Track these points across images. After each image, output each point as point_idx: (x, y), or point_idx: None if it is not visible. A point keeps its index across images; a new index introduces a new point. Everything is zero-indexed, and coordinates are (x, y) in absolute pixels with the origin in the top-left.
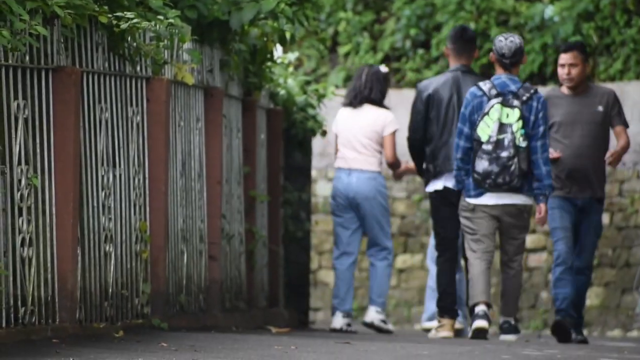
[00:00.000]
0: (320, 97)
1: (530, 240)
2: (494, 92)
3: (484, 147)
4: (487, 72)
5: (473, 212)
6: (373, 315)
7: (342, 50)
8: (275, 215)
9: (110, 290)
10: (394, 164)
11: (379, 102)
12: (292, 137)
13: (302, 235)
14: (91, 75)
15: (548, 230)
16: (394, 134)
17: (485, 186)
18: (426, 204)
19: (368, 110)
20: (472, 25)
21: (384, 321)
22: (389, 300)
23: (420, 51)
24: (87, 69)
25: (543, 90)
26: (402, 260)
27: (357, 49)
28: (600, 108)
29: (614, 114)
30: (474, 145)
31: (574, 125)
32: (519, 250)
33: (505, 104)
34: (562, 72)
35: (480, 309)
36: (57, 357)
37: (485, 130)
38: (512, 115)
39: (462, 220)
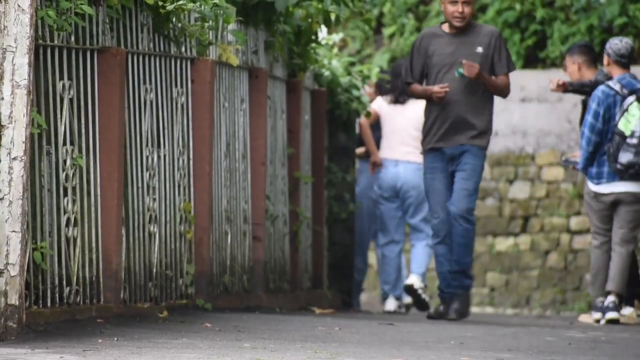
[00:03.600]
0: (365, 78)
1: (574, 222)
2: (625, 91)
3: (629, 140)
4: (532, 53)
5: (595, 199)
6: (414, 279)
7: (387, 31)
8: (319, 196)
9: (155, 270)
10: None
11: None
12: (336, 118)
13: (346, 217)
14: (136, 55)
15: None
16: None
17: (626, 176)
18: None
19: (413, 104)
20: (517, 7)
21: (423, 289)
22: (433, 282)
23: None
24: (132, 49)
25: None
26: None
27: (402, 30)
28: (480, 49)
29: (496, 58)
30: (615, 140)
31: (450, 68)
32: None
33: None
34: (453, 9)
35: (610, 299)
36: (101, 336)
37: (627, 125)
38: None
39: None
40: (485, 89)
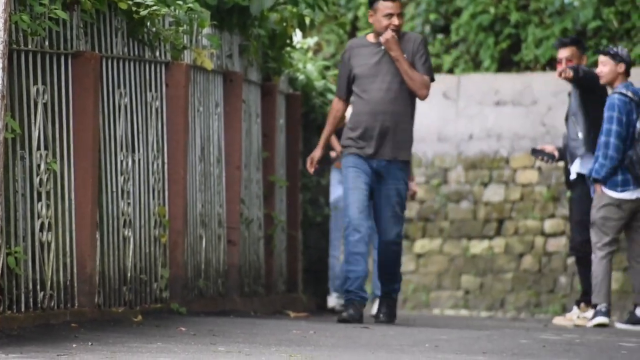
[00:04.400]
0: None
1: (549, 225)
2: (636, 97)
3: None
4: (506, 57)
5: (618, 207)
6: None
7: (361, 35)
8: (294, 200)
9: (129, 274)
10: None
11: None
12: (311, 122)
13: (320, 220)
14: (110, 60)
15: (566, 215)
16: None
17: None
18: (444, 189)
19: None
20: (491, 10)
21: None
22: (407, 285)
23: (440, 36)
24: (106, 54)
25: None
26: (421, 245)
27: None
28: (404, 56)
29: (417, 63)
30: (639, 147)
31: (374, 78)
32: None
33: None
34: (388, 22)
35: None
36: (76, 341)
37: None
38: None
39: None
40: (400, 73)
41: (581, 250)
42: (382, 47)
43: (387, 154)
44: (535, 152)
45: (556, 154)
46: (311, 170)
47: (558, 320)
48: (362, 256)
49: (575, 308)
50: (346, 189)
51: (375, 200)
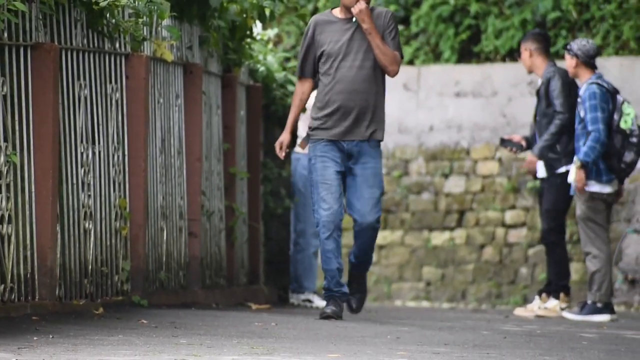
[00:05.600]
0: None
1: (509, 216)
2: (610, 88)
3: (631, 139)
4: (466, 48)
5: (604, 200)
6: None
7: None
8: (255, 192)
9: (90, 267)
10: None
11: None
12: (271, 114)
13: (282, 212)
14: (70, 52)
15: (527, 206)
16: None
17: (623, 175)
18: (405, 181)
19: None
20: (451, 1)
21: (307, 300)
22: (369, 277)
23: (400, 27)
24: (65, 45)
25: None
26: (382, 236)
27: None
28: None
29: (387, 37)
30: (618, 138)
31: (346, 55)
32: None
33: (625, 100)
34: None
35: None
36: (36, 334)
37: (626, 124)
38: (631, 110)
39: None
40: (370, 47)
41: (550, 238)
42: (353, 22)
43: (361, 133)
44: (504, 142)
45: (524, 143)
46: (282, 155)
47: (519, 312)
48: (333, 252)
49: (536, 298)
50: (315, 181)
51: (349, 183)
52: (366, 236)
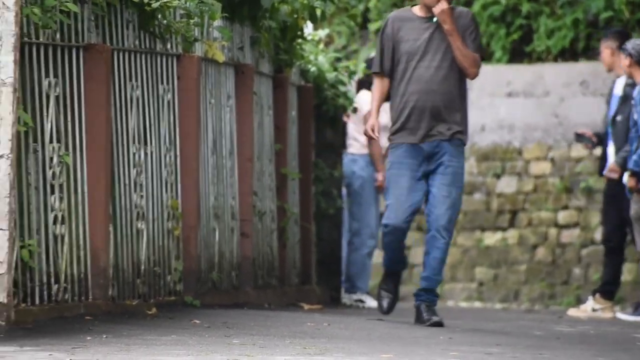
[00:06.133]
0: (351, 74)
1: (562, 216)
2: None
3: None
4: (517, 48)
5: None
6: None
7: (372, 26)
8: (306, 192)
9: (143, 267)
10: None
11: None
12: (323, 114)
13: (333, 212)
14: (122, 53)
15: (580, 207)
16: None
17: None
18: None
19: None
20: (502, 1)
21: (360, 300)
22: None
23: None
24: (117, 46)
25: (567, 66)
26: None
27: None
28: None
29: (468, 39)
30: None
31: (424, 55)
32: None
33: None
34: None
35: None
36: (90, 334)
37: None
38: None
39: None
40: (451, 49)
41: (612, 240)
42: (433, 21)
43: (442, 133)
44: (579, 137)
45: (594, 139)
46: (375, 135)
47: (573, 312)
48: (397, 245)
49: (590, 299)
50: (387, 188)
51: (430, 183)
52: (438, 244)
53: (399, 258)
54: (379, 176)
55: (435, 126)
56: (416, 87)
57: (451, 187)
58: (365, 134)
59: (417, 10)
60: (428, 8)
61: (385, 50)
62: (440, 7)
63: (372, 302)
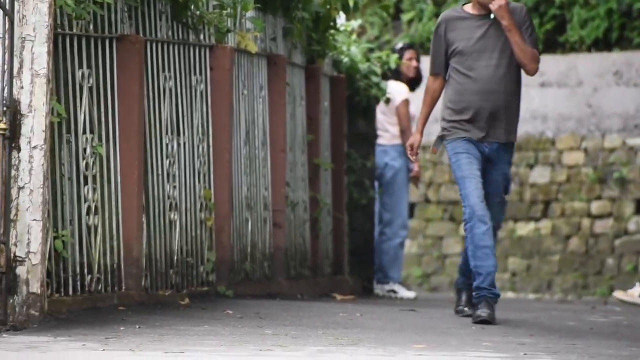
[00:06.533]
0: (384, 64)
1: (595, 206)
2: None
3: None
4: (551, 38)
5: None
6: (377, 287)
7: (405, 17)
8: (339, 182)
9: (176, 258)
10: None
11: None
12: (355, 105)
13: (366, 203)
14: (155, 43)
15: (613, 197)
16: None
17: None
18: None
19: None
20: None
21: (392, 291)
22: (454, 267)
23: None
24: (150, 37)
25: (601, 56)
26: None
27: (421, 16)
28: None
29: (525, 36)
30: None
31: (481, 53)
32: None
33: None
34: None
35: None
36: (123, 324)
37: None
38: None
39: None
40: (509, 45)
41: None
42: (489, 18)
43: (500, 136)
44: None
45: None
46: (413, 157)
47: (619, 294)
48: (490, 249)
49: (637, 284)
50: (461, 177)
51: (483, 187)
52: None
53: (492, 254)
54: (415, 167)
55: (493, 127)
56: (474, 87)
57: (503, 191)
58: (406, 146)
59: (470, 9)
60: (481, 5)
61: (438, 51)
62: (498, 3)
63: (404, 292)
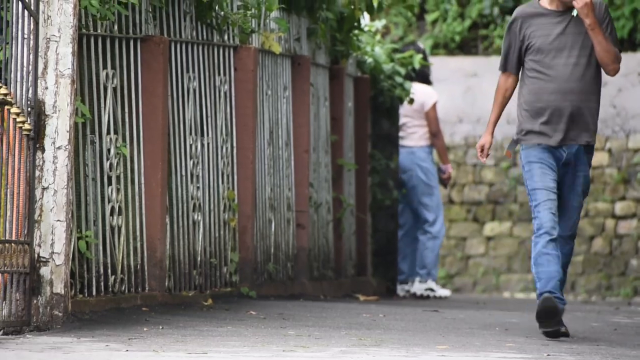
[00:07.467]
0: (408, 64)
1: (619, 207)
2: None
3: None
4: None
5: None
6: (416, 285)
7: (429, 17)
8: (362, 183)
9: (199, 258)
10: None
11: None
12: (379, 105)
13: (390, 204)
14: (179, 44)
15: (638, 197)
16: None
17: None
18: (514, 172)
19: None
20: None
21: (430, 289)
22: (477, 268)
23: (508, 18)
24: (175, 38)
25: (626, 56)
26: (490, 227)
27: (445, 17)
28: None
29: (605, 33)
30: None
31: (559, 51)
32: None
33: None
34: None
35: None
36: (146, 325)
37: None
38: None
39: None
40: (592, 42)
41: None
42: (567, 15)
43: (580, 138)
44: None
45: None
46: (484, 159)
47: None
48: (553, 257)
49: None
50: (532, 189)
51: (561, 191)
52: (566, 250)
53: (556, 261)
54: (449, 168)
55: (573, 129)
56: (552, 86)
57: (582, 195)
58: (477, 148)
59: (546, 4)
60: (561, 1)
61: (512, 48)
62: (584, 1)
63: (441, 291)
